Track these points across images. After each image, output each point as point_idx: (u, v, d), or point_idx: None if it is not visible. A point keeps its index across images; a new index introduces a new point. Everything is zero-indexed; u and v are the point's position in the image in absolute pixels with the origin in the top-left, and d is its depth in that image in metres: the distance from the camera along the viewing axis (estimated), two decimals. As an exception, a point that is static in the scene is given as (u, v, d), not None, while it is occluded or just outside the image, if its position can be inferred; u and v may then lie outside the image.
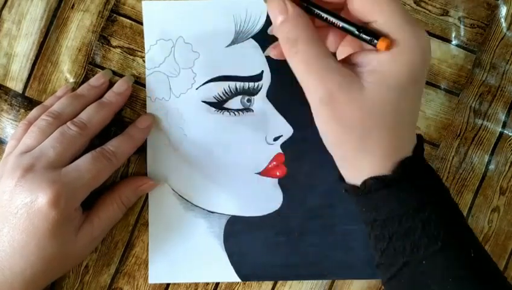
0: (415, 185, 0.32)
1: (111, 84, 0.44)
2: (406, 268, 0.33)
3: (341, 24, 0.30)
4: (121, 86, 0.43)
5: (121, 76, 0.44)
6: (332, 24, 0.30)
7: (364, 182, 0.33)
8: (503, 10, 0.44)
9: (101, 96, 0.43)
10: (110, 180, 0.44)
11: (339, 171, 0.35)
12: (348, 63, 0.32)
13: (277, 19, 0.32)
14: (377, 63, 0.31)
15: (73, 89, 0.44)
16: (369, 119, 0.31)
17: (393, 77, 0.30)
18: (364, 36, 0.29)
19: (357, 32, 0.29)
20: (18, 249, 0.37)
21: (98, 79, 0.43)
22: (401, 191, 0.32)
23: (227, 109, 0.44)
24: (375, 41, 0.29)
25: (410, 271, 0.32)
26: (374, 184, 0.32)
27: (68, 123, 0.40)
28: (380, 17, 0.30)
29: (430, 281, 0.32)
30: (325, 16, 0.31)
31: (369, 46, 0.31)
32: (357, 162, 0.33)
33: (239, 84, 0.44)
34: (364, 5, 0.31)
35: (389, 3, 0.30)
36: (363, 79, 0.31)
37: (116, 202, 0.42)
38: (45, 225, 0.37)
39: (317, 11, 0.31)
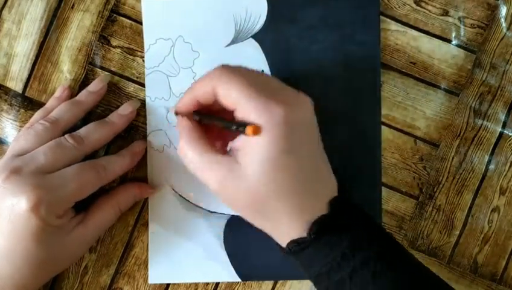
0: (335, 239, 0.34)
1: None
2: None
3: (222, 124, 0.36)
4: (126, 108, 0.43)
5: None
6: (218, 125, 0.37)
7: (288, 246, 0.35)
8: (503, 10, 0.44)
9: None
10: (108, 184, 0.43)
11: None
12: (233, 150, 0.36)
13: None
14: (247, 146, 0.34)
15: (72, 90, 0.44)
16: (259, 197, 0.34)
17: (259, 154, 0.34)
18: (237, 128, 0.34)
19: (233, 128, 0.35)
20: (4, 254, 0.37)
21: (96, 84, 0.43)
22: (322, 248, 0.34)
23: (227, 109, 0.44)
24: (244, 129, 0.34)
25: None
26: (295, 247, 0.35)
27: (66, 135, 0.40)
28: (237, 106, 0.35)
29: None
30: (212, 121, 0.37)
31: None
32: (272, 231, 0.36)
33: (239, 84, 0.44)
34: (226, 98, 0.35)
35: (239, 93, 0.34)
36: (242, 162, 0.34)
37: (113, 208, 0.41)
38: (28, 230, 0.36)
39: (205, 119, 0.37)
